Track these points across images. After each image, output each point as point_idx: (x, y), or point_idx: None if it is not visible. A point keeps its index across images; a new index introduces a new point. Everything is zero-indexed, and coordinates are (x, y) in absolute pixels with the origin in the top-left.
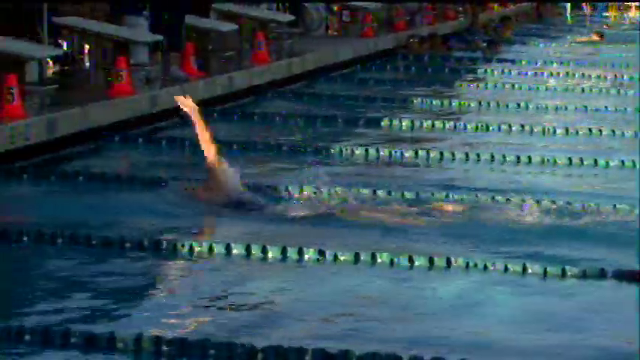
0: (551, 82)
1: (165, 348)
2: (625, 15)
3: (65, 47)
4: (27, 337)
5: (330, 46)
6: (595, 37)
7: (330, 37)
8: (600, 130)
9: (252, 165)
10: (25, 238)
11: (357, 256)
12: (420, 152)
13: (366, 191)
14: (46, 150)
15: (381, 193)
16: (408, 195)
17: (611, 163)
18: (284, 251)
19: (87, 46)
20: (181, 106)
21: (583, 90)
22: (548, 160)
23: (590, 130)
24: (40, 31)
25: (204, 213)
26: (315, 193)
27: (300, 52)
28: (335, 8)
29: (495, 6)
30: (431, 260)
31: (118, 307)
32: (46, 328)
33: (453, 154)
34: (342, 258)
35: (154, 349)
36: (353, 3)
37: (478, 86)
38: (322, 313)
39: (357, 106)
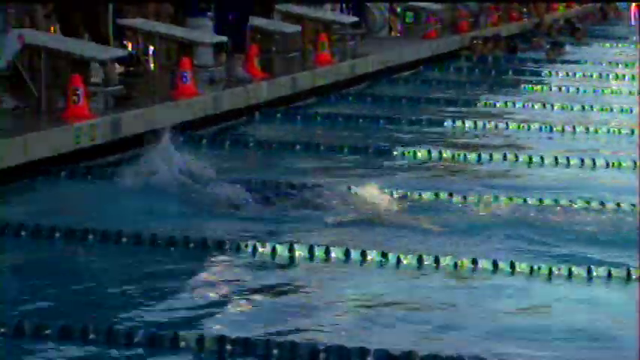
0: (616, 83)
1: (228, 347)
2: None
3: (130, 48)
4: (92, 336)
5: (393, 47)
6: None
7: (393, 39)
8: None
9: (314, 165)
10: (90, 237)
11: (420, 259)
12: (483, 154)
13: (428, 193)
14: (111, 150)
15: (442, 194)
16: (471, 197)
17: None
18: (347, 253)
19: (152, 48)
20: None
21: None
22: (612, 163)
23: None
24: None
25: (267, 214)
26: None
27: (363, 54)
28: (398, 9)
29: (560, 7)
30: (495, 264)
31: (181, 307)
32: (110, 328)
33: (516, 156)
34: (404, 261)
35: (217, 349)
36: (416, 4)
37: (542, 88)
38: (385, 313)
39: (420, 108)
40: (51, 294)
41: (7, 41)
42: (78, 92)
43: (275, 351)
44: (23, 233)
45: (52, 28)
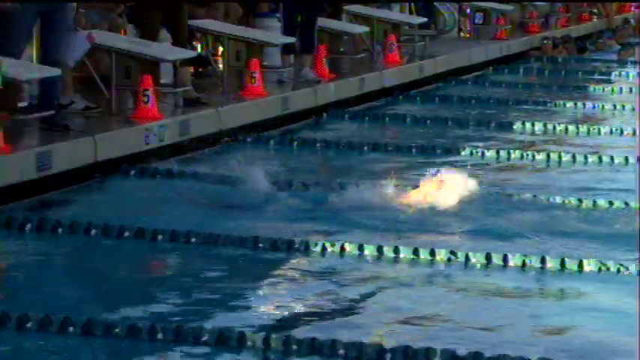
0: None
1: (294, 347)
2: None
3: (199, 49)
4: (159, 335)
5: (462, 48)
6: None
7: (462, 40)
8: None
9: (382, 166)
10: (159, 237)
11: (488, 257)
12: (552, 155)
13: (496, 195)
14: (179, 151)
15: (508, 196)
16: (541, 198)
17: None
18: (416, 252)
19: (221, 49)
20: None
21: None
22: None
23: None
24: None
25: (334, 213)
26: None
27: (431, 55)
28: (467, 10)
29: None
30: (562, 263)
31: (248, 307)
32: (178, 326)
33: (586, 158)
34: (473, 260)
35: (283, 348)
36: (486, 4)
37: (612, 89)
38: (454, 314)
39: (489, 109)
40: (117, 293)
41: (77, 41)
42: (148, 93)
43: (341, 351)
44: (93, 232)
45: (122, 31)
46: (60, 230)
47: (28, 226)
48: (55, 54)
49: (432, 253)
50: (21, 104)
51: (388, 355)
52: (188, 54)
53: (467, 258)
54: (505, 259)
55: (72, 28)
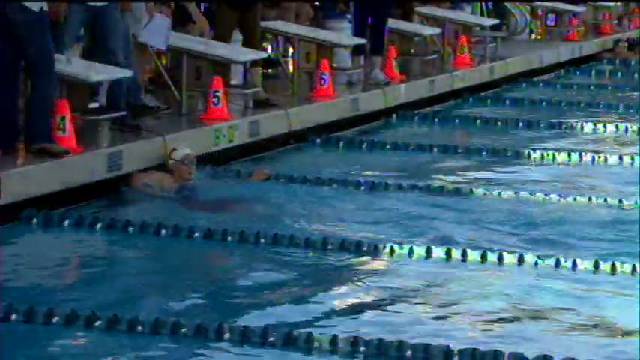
0: None
1: (362, 348)
2: None
3: (269, 50)
4: (226, 335)
5: (534, 50)
6: None
7: (534, 41)
8: None
9: (452, 167)
10: (229, 238)
11: (557, 262)
12: (625, 158)
13: (569, 198)
14: (249, 152)
15: (581, 199)
16: (611, 201)
17: None
18: (484, 255)
19: (291, 50)
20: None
21: None
22: None
23: None
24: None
25: (399, 214)
26: (515, 193)
27: (502, 56)
28: (539, 11)
29: None
30: (612, 266)
31: (316, 307)
32: (245, 327)
33: None
34: (540, 264)
35: (351, 349)
36: (558, 6)
37: None
38: (520, 316)
39: (560, 111)
40: (184, 293)
41: (159, 25)
42: (218, 94)
43: (408, 352)
44: (163, 232)
45: None
46: (130, 230)
47: (99, 225)
48: (118, 54)
49: (500, 257)
50: (92, 105)
51: (455, 357)
52: (259, 55)
53: (536, 261)
54: (574, 263)
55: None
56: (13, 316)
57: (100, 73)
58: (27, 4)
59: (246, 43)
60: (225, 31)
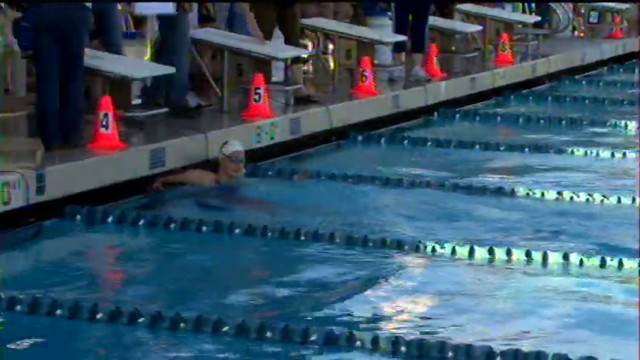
0: None
1: (403, 349)
2: None
3: (310, 48)
4: (268, 334)
5: (576, 47)
6: None
7: (577, 39)
8: None
9: (493, 165)
10: (269, 234)
11: (603, 261)
12: None
13: (613, 197)
14: (290, 149)
15: (625, 199)
16: None
17: None
18: (528, 254)
19: (332, 47)
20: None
21: None
22: None
23: None
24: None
25: (441, 212)
26: (558, 192)
27: (545, 54)
28: (582, 9)
29: None
30: None
31: (357, 307)
32: (286, 326)
33: None
34: (586, 263)
35: (392, 349)
36: (601, 3)
37: None
38: (565, 318)
39: (603, 109)
40: (225, 290)
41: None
42: (259, 91)
43: (450, 353)
44: (237, 231)
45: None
46: (172, 226)
47: (141, 221)
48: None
49: (545, 258)
50: (135, 102)
51: (498, 358)
52: (300, 52)
53: (581, 260)
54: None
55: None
56: (58, 312)
57: (143, 70)
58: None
59: (286, 40)
60: (265, 29)
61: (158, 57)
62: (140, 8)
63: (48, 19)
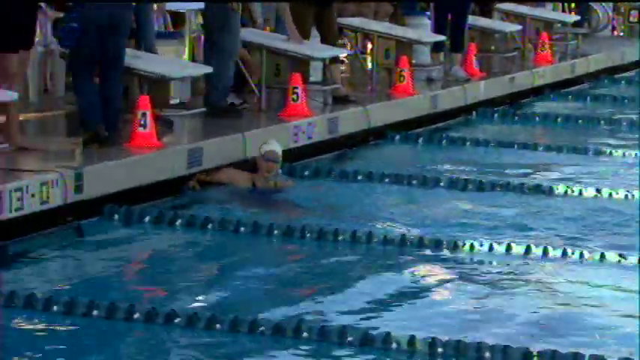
0: None
1: (439, 350)
2: None
3: (349, 47)
4: (304, 334)
5: (616, 47)
6: None
7: (617, 38)
8: None
9: (532, 165)
10: (307, 235)
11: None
12: None
13: None
14: (328, 148)
15: None
16: None
17: None
18: (564, 252)
19: (369, 46)
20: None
21: None
22: None
23: None
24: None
25: (478, 211)
26: (596, 191)
27: (584, 53)
28: (622, 8)
29: None
30: None
31: (394, 307)
32: (323, 327)
33: None
34: (626, 261)
35: (428, 350)
36: None
37: None
38: (601, 318)
39: None
40: (261, 292)
41: None
42: (297, 91)
43: (487, 354)
44: (276, 232)
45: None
46: (210, 226)
47: (179, 221)
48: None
49: (582, 255)
50: (173, 101)
51: (535, 359)
52: (338, 52)
53: (618, 260)
54: None
55: None
56: (95, 312)
57: (182, 69)
58: None
59: (324, 40)
60: (304, 28)
61: (207, 57)
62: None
63: (95, 18)
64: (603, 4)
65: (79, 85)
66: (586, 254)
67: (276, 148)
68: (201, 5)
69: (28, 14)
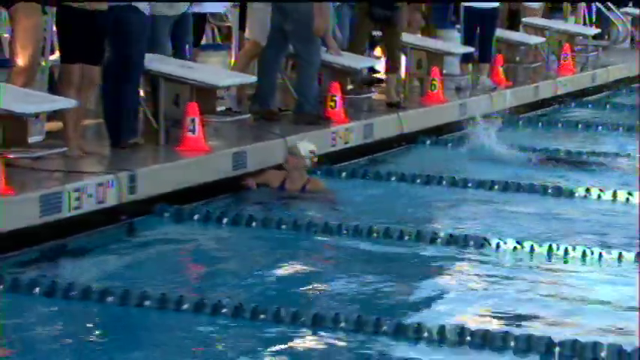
0: None
1: (468, 338)
2: None
3: (382, 58)
4: (342, 324)
5: (634, 58)
6: None
7: (634, 50)
8: None
9: (551, 170)
10: (344, 232)
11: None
12: None
13: None
14: (363, 152)
15: None
16: None
17: None
18: (584, 253)
19: (404, 57)
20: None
21: None
22: None
23: None
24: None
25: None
26: (613, 194)
27: (604, 64)
28: None
29: None
30: None
31: (425, 299)
32: (359, 317)
33: None
34: None
35: (457, 339)
36: None
37: None
38: (622, 309)
39: None
40: (299, 286)
41: None
42: (335, 98)
43: (512, 343)
44: (284, 226)
45: None
46: (254, 224)
47: (225, 220)
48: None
49: (600, 256)
50: (219, 108)
51: (557, 349)
52: (373, 62)
53: (635, 260)
54: None
55: None
56: (147, 303)
57: (228, 78)
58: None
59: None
60: (361, 41)
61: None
62: (194, 7)
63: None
64: (623, 18)
65: (108, 91)
66: (605, 255)
67: (303, 144)
68: (220, 9)
69: (94, 31)
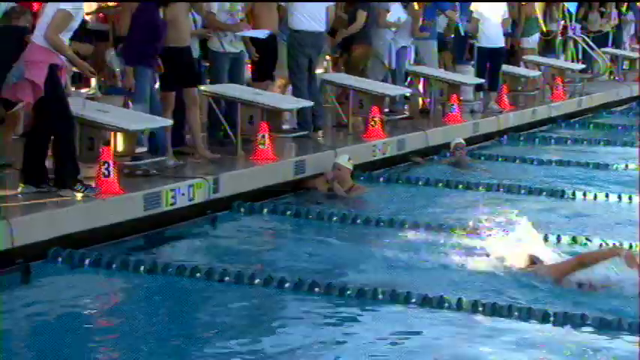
0: None
1: (480, 308)
2: None
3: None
4: (380, 296)
5: (612, 88)
6: None
7: (613, 81)
8: None
9: (548, 175)
10: (381, 224)
11: None
12: None
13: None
14: (395, 162)
15: None
16: None
17: None
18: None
19: (421, 86)
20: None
21: None
22: None
23: None
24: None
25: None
26: (606, 196)
27: (588, 92)
28: (618, 58)
29: None
30: None
31: (446, 278)
32: (393, 291)
33: None
34: None
35: (472, 310)
36: (632, 54)
37: None
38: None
39: (632, 133)
40: (354, 265)
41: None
42: (375, 119)
43: (515, 313)
44: (334, 218)
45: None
46: (310, 216)
47: (288, 212)
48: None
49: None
50: (285, 127)
51: (551, 318)
52: (405, 91)
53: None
54: None
55: None
56: (226, 278)
57: (290, 102)
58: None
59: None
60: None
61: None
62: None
63: None
64: (603, 55)
65: None
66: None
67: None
68: (263, 34)
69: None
